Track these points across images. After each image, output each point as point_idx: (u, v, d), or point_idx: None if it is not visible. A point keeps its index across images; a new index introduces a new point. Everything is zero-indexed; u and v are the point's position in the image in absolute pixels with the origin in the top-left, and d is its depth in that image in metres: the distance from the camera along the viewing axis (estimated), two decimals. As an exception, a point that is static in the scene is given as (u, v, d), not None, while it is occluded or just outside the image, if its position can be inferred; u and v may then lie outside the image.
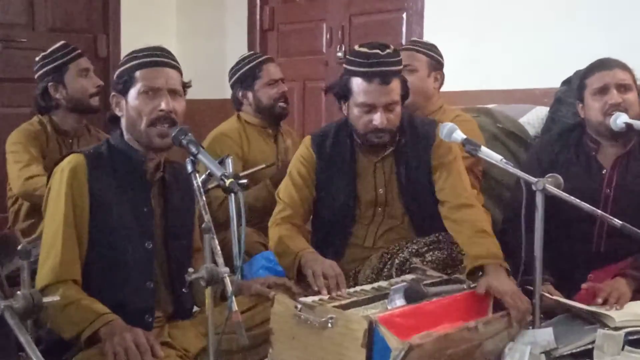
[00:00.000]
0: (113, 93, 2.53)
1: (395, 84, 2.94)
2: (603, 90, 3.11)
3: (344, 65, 3.03)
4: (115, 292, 2.40)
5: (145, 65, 2.48)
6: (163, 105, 2.44)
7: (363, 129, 2.96)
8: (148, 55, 2.50)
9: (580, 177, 3.12)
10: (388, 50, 2.93)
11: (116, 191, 2.46)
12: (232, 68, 4.05)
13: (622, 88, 3.10)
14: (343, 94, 2.99)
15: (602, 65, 3.18)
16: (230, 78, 4.04)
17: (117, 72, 2.54)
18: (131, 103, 2.47)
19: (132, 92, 2.47)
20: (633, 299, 2.89)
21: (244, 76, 3.96)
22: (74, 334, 2.26)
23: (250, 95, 3.95)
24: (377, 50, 2.91)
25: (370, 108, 2.92)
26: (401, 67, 3.00)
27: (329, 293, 2.61)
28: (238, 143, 3.81)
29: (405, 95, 3.02)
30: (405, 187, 3.06)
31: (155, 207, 2.54)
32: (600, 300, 2.82)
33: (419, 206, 3.07)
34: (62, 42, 3.72)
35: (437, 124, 3.04)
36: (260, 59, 4.03)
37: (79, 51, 3.71)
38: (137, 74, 2.47)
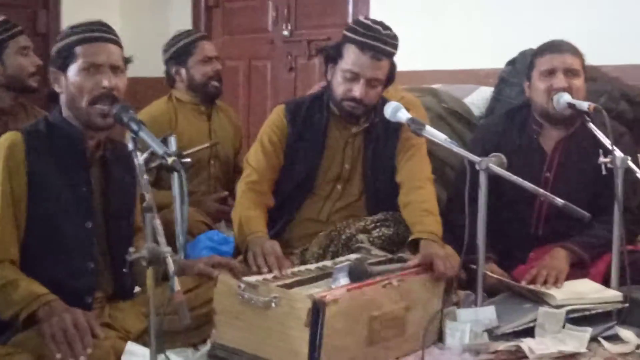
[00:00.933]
0: (52, 69, 2.47)
1: (385, 64, 2.98)
2: (550, 73, 3.13)
3: (343, 32, 3.04)
4: (54, 272, 2.36)
5: (86, 40, 2.43)
6: (105, 82, 2.40)
7: (341, 96, 2.99)
8: (88, 30, 2.45)
9: (522, 159, 3.15)
10: (389, 32, 2.98)
11: (55, 170, 2.41)
12: (167, 44, 4.03)
13: (570, 73, 3.12)
14: (334, 56, 3.01)
15: (554, 47, 3.19)
16: (164, 54, 4.01)
17: (55, 47, 2.48)
18: (71, 79, 2.42)
19: (73, 69, 2.42)
20: (572, 276, 2.94)
21: (178, 52, 3.94)
22: (11, 314, 2.22)
23: (183, 72, 3.92)
24: (380, 27, 2.96)
25: (354, 77, 2.95)
26: (395, 51, 3.02)
27: (269, 272, 2.62)
28: (167, 127, 3.76)
29: (390, 79, 3.05)
30: (370, 166, 3.10)
31: (95, 186, 2.49)
32: (539, 280, 2.87)
33: (377, 186, 3.11)
34: (1, 18, 3.62)
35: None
36: (195, 36, 4.01)
37: (20, 28, 3.62)
38: (78, 49, 2.42)
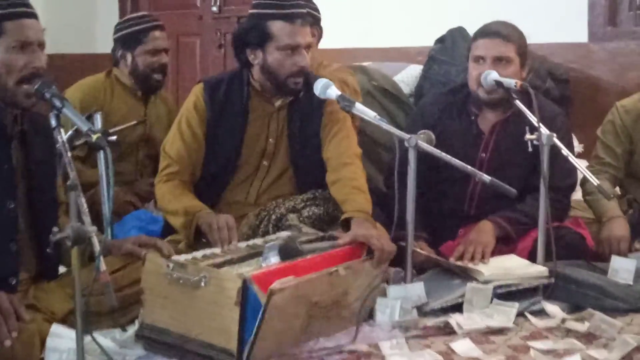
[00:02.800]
0: None
1: (309, 28, 3.01)
2: (479, 60, 3.14)
3: (255, 11, 2.99)
4: None
5: (14, 16, 2.35)
6: (37, 62, 2.35)
7: (287, 73, 2.95)
8: (12, 5, 2.37)
9: (460, 138, 3.17)
10: None
11: None
12: (119, 24, 3.94)
13: (499, 61, 3.11)
14: (258, 40, 2.95)
15: (485, 32, 3.18)
16: (115, 33, 3.92)
17: None
18: None
19: (0, 46, 2.34)
20: (499, 251, 3.00)
21: (128, 37, 3.84)
22: None
23: (129, 57, 3.83)
24: None
25: (295, 49, 2.93)
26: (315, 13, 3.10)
27: (222, 246, 2.62)
28: (99, 99, 3.70)
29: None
30: (296, 139, 3.07)
31: (16, 162, 2.44)
32: (467, 261, 2.91)
33: (304, 159, 3.09)
34: None
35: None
36: (148, 24, 3.90)
37: None
38: (5, 25, 2.33)
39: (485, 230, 3.02)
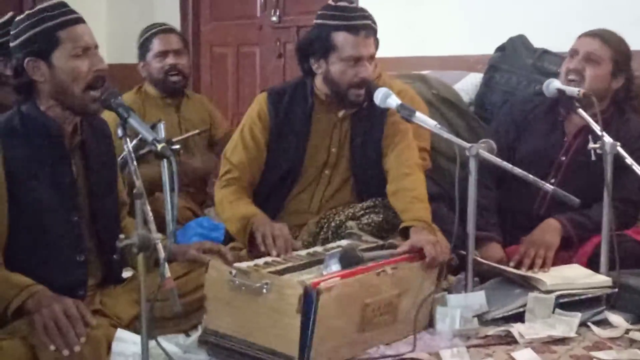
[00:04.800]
0: (27, 59, 2.35)
1: (373, 39, 3.03)
2: (573, 54, 3.19)
3: (319, 21, 3.02)
4: (43, 269, 2.32)
5: (68, 23, 2.36)
6: (100, 65, 2.38)
7: (348, 83, 2.97)
8: (63, 14, 2.37)
9: (543, 139, 3.19)
10: (361, 8, 3.05)
11: (34, 165, 2.36)
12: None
13: (589, 59, 3.14)
14: (322, 50, 2.98)
15: (588, 32, 3.21)
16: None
17: (25, 36, 2.36)
18: (61, 66, 2.35)
19: (60, 55, 2.35)
20: (560, 259, 2.97)
21: (140, 47, 3.95)
22: (0, 308, 2.19)
23: (144, 66, 3.90)
24: (353, 6, 3.03)
25: (357, 60, 2.95)
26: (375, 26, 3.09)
27: (277, 255, 2.65)
28: (138, 111, 3.74)
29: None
30: (358, 149, 3.09)
31: (77, 176, 2.45)
32: (525, 268, 2.90)
33: (365, 169, 3.10)
34: (11, 14, 3.55)
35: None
36: (152, 31, 3.98)
37: None
38: (61, 34, 2.34)
39: (550, 230, 3.02)
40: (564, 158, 3.19)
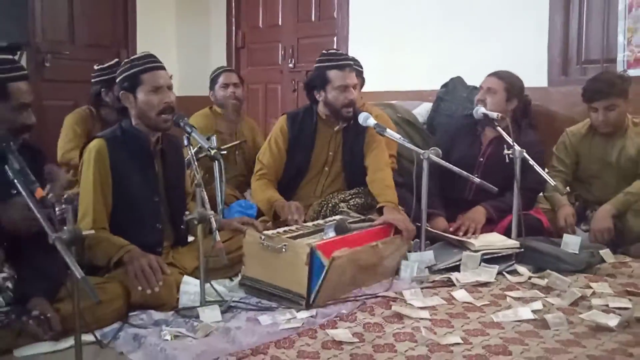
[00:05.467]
0: (122, 92, 2.39)
1: (355, 74, 3.07)
2: (480, 89, 3.20)
3: (319, 65, 3.01)
4: (135, 232, 2.32)
5: (148, 69, 2.37)
6: (168, 99, 2.37)
7: (340, 105, 2.96)
8: (148, 62, 2.38)
9: (467, 148, 3.18)
10: (345, 54, 3.10)
11: (130, 163, 2.37)
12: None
13: (489, 90, 3.13)
14: (321, 84, 2.98)
15: (491, 74, 3.21)
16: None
17: (122, 76, 2.39)
18: (142, 99, 2.36)
19: (141, 91, 2.36)
20: (485, 229, 2.97)
21: (211, 81, 3.89)
22: (105, 260, 2.22)
23: (213, 94, 3.89)
24: (342, 52, 3.10)
25: (345, 87, 2.94)
26: (354, 63, 3.15)
27: (297, 220, 2.67)
28: (207, 126, 3.74)
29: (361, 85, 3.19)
30: (347, 152, 3.07)
31: (158, 170, 2.46)
32: (461, 233, 2.90)
33: (352, 167, 3.07)
34: (116, 60, 3.58)
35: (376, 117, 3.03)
36: (220, 70, 3.93)
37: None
38: (143, 77, 2.36)
39: (478, 212, 3.00)
40: (481, 159, 3.17)
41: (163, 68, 2.42)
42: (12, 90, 2.00)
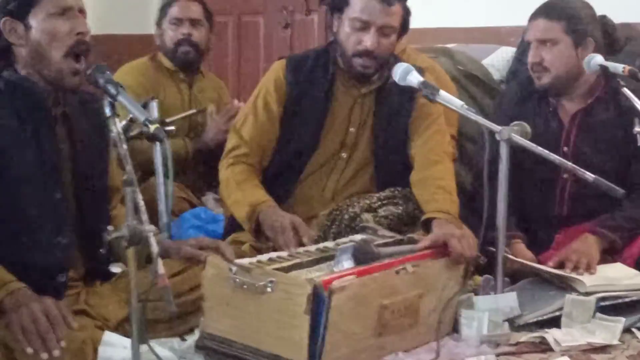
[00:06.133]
0: (5, 18, 2.40)
1: (398, 9, 2.96)
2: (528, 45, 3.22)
3: None
4: (20, 251, 2.36)
5: None
6: (81, 28, 2.39)
7: (350, 50, 2.97)
8: None
9: (540, 132, 3.12)
10: None
11: (15, 134, 2.39)
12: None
13: (544, 43, 3.15)
14: (339, 4, 2.97)
15: (535, 12, 3.23)
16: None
17: None
18: (38, 27, 2.38)
19: (37, 14, 2.38)
20: (603, 260, 2.97)
21: (159, 11, 3.98)
22: None
23: (159, 33, 3.93)
24: None
25: (364, 26, 2.93)
26: None
27: (287, 249, 2.66)
28: (149, 84, 3.81)
29: (404, 27, 3.03)
30: (381, 130, 3.08)
31: (61, 148, 2.48)
32: (569, 270, 2.88)
33: (387, 154, 3.10)
34: None
35: (423, 71, 2.99)
36: None
37: None
38: None
39: (588, 243, 2.99)
40: (566, 148, 3.18)
41: None
42: None
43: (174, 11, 3.92)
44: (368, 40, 2.93)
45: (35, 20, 2.39)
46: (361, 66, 2.97)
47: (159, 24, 3.97)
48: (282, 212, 2.87)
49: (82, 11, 2.43)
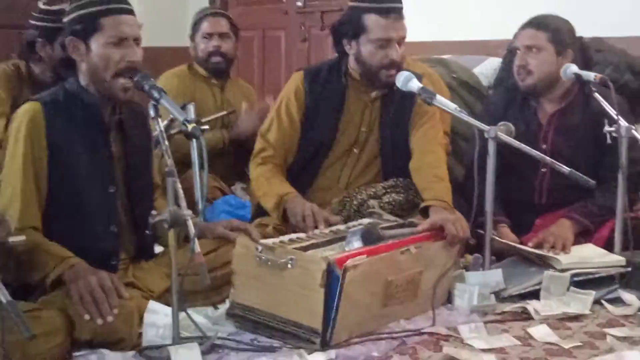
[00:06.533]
0: (70, 37, 2.41)
1: (404, 21, 2.98)
2: (516, 51, 3.22)
3: (352, 4, 3.00)
4: (78, 237, 2.36)
5: (111, 12, 2.38)
6: (133, 57, 2.39)
7: (378, 65, 2.96)
8: (109, 2, 2.40)
9: (521, 131, 3.08)
10: None
11: (75, 138, 2.40)
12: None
13: (529, 49, 3.14)
14: (354, 32, 2.96)
15: (523, 24, 3.23)
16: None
17: (73, 15, 2.42)
18: (96, 51, 2.39)
19: (98, 40, 2.38)
20: (576, 242, 2.96)
21: (192, 28, 3.98)
22: (39, 277, 2.24)
23: (193, 46, 3.94)
24: None
25: (387, 42, 2.93)
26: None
27: (307, 232, 2.67)
28: (187, 90, 3.79)
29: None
30: (387, 129, 3.07)
31: (115, 150, 2.49)
32: (547, 250, 2.88)
33: (392, 148, 3.08)
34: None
35: (422, 77, 3.00)
36: (203, 13, 4.02)
37: None
38: (103, 21, 2.37)
39: (565, 227, 2.98)
40: (544, 146, 3.14)
41: (131, 12, 2.44)
42: None
43: (205, 27, 3.92)
44: (393, 53, 2.94)
45: (95, 45, 2.39)
46: (387, 76, 2.97)
47: (192, 37, 3.97)
48: (303, 202, 2.89)
49: (137, 40, 2.43)
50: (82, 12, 2.41)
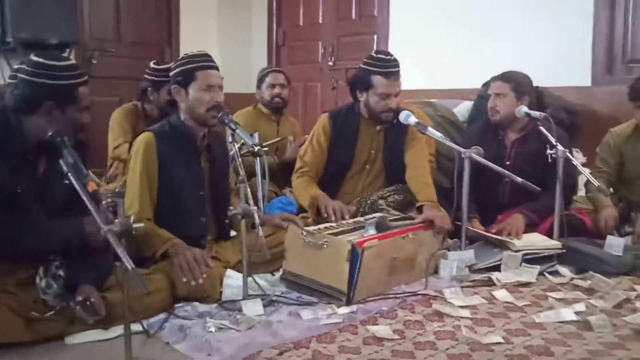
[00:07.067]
0: (174, 85, 2.44)
1: (400, 80, 2.96)
2: (489, 96, 3.19)
3: (364, 66, 2.97)
4: (179, 225, 2.38)
5: (204, 67, 2.42)
6: (219, 98, 2.42)
7: (380, 110, 2.95)
8: (204, 60, 2.44)
9: (492, 151, 3.07)
10: (394, 58, 2.96)
11: (177, 157, 2.42)
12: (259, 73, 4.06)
13: (497, 95, 3.12)
14: (364, 86, 2.96)
15: (493, 77, 3.20)
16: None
17: (177, 70, 2.45)
18: (192, 95, 2.41)
19: (194, 87, 2.41)
20: (526, 231, 2.93)
21: (258, 80, 4.00)
22: (151, 252, 2.27)
23: (258, 92, 3.96)
24: (390, 58, 2.94)
25: (387, 96, 2.92)
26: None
27: (336, 221, 2.67)
28: (252, 123, 3.79)
29: None
30: (388, 151, 3.06)
31: (204, 165, 2.51)
32: (504, 234, 2.86)
33: (393, 165, 3.06)
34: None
35: (414, 114, 2.97)
36: (268, 70, 4.03)
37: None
38: (198, 73, 2.41)
39: (518, 219, 2.95)
40: (508, 163, 3.10)
41: (217, 68, 2.47)
42: (80, 94, 2.05)
43: (270, 79, 3.92)
44: (393, 104, 2.93)
45: (192, 90, 2.42)
46: (387, 117, 2.97)
47: (258, 86, 3.98)
48: (331, 201, 2.88)
49: (220, 87, 2.45)
50: (183, 68, 2.45)
